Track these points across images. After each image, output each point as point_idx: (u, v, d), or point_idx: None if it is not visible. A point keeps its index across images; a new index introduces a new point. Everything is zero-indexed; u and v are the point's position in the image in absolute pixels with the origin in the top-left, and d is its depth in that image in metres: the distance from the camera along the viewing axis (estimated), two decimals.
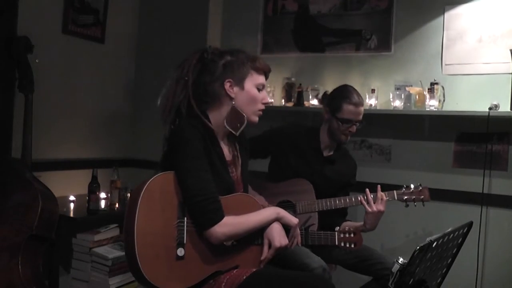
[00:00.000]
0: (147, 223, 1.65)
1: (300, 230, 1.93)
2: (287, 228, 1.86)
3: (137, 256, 1.61)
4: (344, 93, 2.49)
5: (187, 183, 1.69)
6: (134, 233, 1.62)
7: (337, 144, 2.58)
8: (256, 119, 1.87)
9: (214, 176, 1.75)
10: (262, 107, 1.87)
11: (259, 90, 1.85)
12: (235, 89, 1.81)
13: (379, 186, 2.34)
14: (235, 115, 1.83)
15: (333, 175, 2.55)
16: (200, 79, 1.82)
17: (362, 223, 2.35)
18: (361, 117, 2.48)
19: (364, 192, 2.34)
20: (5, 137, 2.89)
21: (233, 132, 1.84)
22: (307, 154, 2.55)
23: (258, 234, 1.81)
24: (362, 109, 2.47)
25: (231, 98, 1.81)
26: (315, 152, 2.55)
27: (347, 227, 2.05)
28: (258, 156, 2.58)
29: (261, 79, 1.86)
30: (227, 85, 1.80)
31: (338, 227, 2.05)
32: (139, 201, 1.65)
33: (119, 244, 2.99)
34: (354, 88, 2.52)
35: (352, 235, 2.01)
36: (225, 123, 1.82)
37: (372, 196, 2.31)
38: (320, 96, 3.14)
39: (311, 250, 2.32)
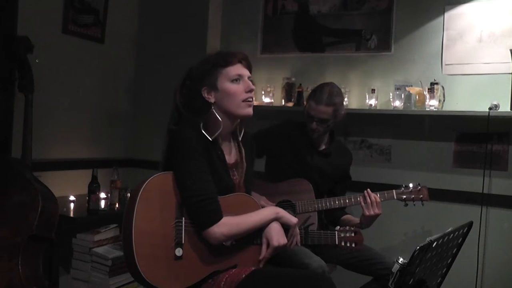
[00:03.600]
0: (145, 223, 1.65)
1: (299, 229, 1.93)
2: (286, 227, 1.86)
3: (135, 256, 1.61)
4: (315, 90, 2.51)
5: (186, 183, 1.70)
6: (132, 233, 1.62)
7: (330, 137, 2.61)
8: (246, 110, 1.81)
9: (214, 178, 1.75)
10: (247, 96, 1.81)
11: (236, 81, 1.79)
12: (212, 93, 1.80)
13: (368, 190, 2.37)
14: (213, 121, 1.80)
15: (329, 168, 2.57)
16: (189, 97, 1.83)
17: (358, 220, 2.43)
18: (324, 116, 2.43)
19: (363, 192, 2.37)
20: (5, 137, 2.89)
21: (208, 138, 1.78)
22: (302, 151, 2.56)
23: (257, 233, 1.81)
24: (325, 108, 2.41)
25: (212, 103, 1.80)
26: (309, 147, 2.57)
27: (347, 226, 2.05)
28: None
29: (233, 70, 1.80)
30: (204, 93, 1.80)
31: (339, 227, 2.04)
32: (137, 201, 1.65)
33: (119, 244, 2.99)
34: (331, 87, 2.48)
35: (353, 234, 2.00)
36: (200, 128, 1.77)
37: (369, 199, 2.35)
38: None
39: (311, 250, 2.32)
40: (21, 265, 2.26)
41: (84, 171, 3.18)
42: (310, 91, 2.55)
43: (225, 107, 1.80)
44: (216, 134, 1.79)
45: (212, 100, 1.80)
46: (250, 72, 1.86)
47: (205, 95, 1.80)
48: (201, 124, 1.77)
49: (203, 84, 1.80)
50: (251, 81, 1.84)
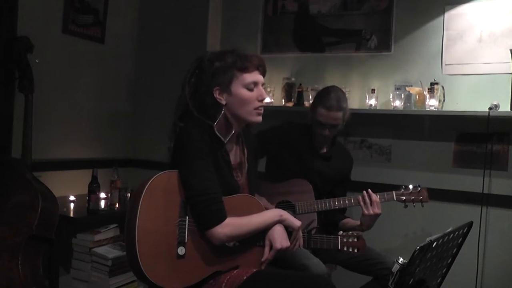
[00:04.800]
0: (149, 221, 1.65)
1: (302, 233, 1.93)
2: (289, 230, 1.86)
3: (138, 254, 1.61)
4: (321, 96, 2.49)
5: (190, 182, 1.70)
6: (136, 231, 1.62)
7: (331, 140, 2.60)
8: (256, 118, 1.82)
9: (219, 178, 1.75)
10: (259, 104, 1.81)
11: (250, 89, 1.79)
12: (224, 95, 1.78)
13: (369, 190, 2.36)
14: (224, 123, 1.81)
15: (330, 171, 2.56)
16: (197, 89, 1.81)
17: (359, 222, 2.42)
18: (336, 121, 2.43)
19: (362, 193, 2.36)
20: (5, 137, 2.89)
21: (222, 139, 1.79)
22: (302, 152, 2.55)
23: (259, 235, 1.81)
24: (336, 114, 2.41)
25: (222, 105, 1.79)
26: (310, 150, 2.56)
27: (350, 232, 2.05)
28: None
29: (250, 77, 1.79)
30: (216, 93, 1.78)
31: (342, 232, 2.04)
32: (141, 199, 1.65)
33: (119, 244, 3.00)
34: (337, 91, 2.47)
35: (355, 239, 2.00)
36: (215, 130, 1.78)
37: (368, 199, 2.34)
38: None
39: (311, 250, 2.32)
40: (21, 265, 2.27)
41: (84, 171, 3.18)
42: (311, 92, 2.53)
43: (235, 112, 1.80)
44: (229, 137, 1.80)
45: (223, 102, 1.79)
46: (264, 76, 1.85)
47: (217, 95, 1.78)
48: (215, 126, 1.77)
49: (215, 83, 1.78)
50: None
